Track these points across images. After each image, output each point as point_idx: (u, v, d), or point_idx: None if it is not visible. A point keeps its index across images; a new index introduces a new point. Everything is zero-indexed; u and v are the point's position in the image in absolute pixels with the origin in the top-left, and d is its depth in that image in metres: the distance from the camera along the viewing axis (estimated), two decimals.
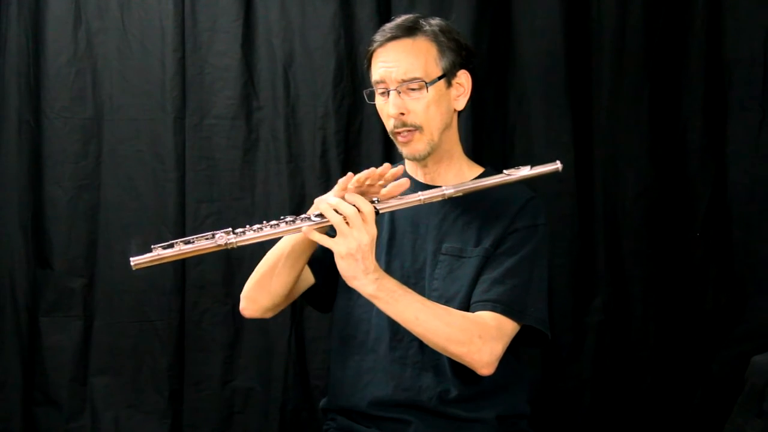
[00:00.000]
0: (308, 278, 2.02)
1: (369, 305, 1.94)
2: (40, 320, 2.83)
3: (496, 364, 1.81)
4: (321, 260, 1.99)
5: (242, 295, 1.99)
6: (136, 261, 1.74)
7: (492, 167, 2.02)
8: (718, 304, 2.72)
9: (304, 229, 1.74)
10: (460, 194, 1.81)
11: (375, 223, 1.74)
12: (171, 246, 1.75)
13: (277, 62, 2.82)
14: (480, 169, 2.01)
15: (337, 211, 1.73)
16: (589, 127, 2.77)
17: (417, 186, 1.98)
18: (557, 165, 1.82)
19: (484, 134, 2.76)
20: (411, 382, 1.90)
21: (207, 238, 1.75)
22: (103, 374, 2.83)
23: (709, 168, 2.73)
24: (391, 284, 1.76)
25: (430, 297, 1.86)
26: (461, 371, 1.87)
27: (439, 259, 1.92)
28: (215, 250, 1.76)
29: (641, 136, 2.75)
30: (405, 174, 2.02)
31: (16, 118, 2.81)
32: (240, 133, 2.83)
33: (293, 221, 1.76)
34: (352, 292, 1.97)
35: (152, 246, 1.75)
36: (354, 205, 1.73)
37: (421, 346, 1.89)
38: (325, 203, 1.75)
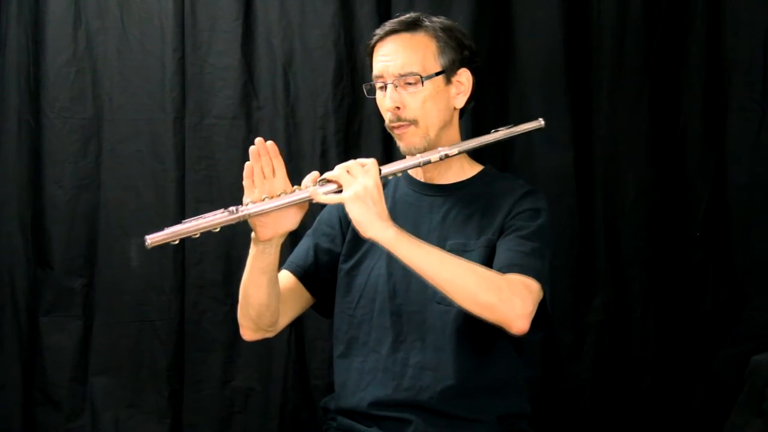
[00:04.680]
0: (306, 297, 2.03)
1: (369, 306, 1.94)
2: (39, 320, 2.83)
3: (529, 320, 1.73)
4: (313, 274, 2.01)
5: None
6: (151, 238, 1.72)
7: (491, 166, 2.03)
8: (718, 304, 2.72)
9: (309, 191, 1.76)
10: (456, 152, 1.89)
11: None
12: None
13: (277, 62, 2.82)
14: (480, 167, 2.02)
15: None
16: (589, 127, 2.77)
17: (417, 185, 1.99)
18: (540, 122, 1.97)
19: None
20: (412, 381, 1.89)
21: (220, 213, 1.76)
22: (102, 374, 2.83)
23: (709, 168, 2.73)
24: (407, 234, 1.74)
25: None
26: (462, 371, 1.87)
27: None
28: (230, 222, 1.75)
29: (641, 136, 2.75)
30: (405, 173, 2.03)
31: (16, 117, 2.81)
32: (240, 133, 2.83)
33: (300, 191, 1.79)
34: (351, 295, 1.97)
35: (165, 228, 1.74)
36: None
37: (423, 347, 1.89)
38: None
